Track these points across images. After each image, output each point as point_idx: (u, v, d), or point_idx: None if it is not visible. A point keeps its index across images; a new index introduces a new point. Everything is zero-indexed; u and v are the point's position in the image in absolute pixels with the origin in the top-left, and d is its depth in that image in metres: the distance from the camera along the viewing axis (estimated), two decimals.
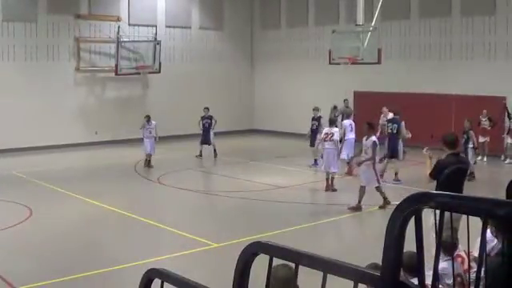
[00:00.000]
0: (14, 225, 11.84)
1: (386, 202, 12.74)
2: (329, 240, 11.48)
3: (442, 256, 4.35)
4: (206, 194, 14.79)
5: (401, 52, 23.35)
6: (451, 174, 8.10)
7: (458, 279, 5.31)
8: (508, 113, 19.51)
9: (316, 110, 18.59)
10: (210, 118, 20.36)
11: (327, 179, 15.06)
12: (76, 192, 14.86)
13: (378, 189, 12.94)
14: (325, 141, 15.21)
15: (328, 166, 14.98)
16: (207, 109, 20.50)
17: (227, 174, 17.45)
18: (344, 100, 22.55)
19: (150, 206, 14.05)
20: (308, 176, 16.98)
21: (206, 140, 20.28)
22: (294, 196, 14.71)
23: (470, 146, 15.79)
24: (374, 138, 13.18)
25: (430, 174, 8.38)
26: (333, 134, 15.16)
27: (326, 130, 15.56)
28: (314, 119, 18.37)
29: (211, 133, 20.33)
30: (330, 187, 15.00)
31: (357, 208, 12.81)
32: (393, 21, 23.14)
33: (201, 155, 20.26)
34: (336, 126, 16.02)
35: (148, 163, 18.41)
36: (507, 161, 19.23)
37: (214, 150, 20.39)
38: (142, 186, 16.23)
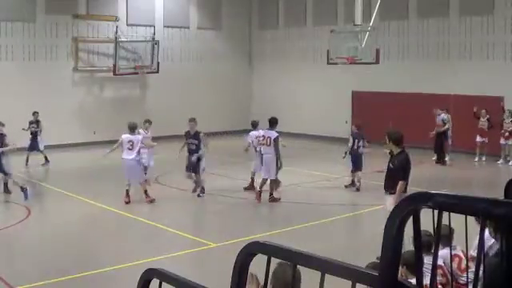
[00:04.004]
0: (12, 225, 11.83)
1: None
2: (328, 240, 11.47)
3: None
4: (205, 193, 14.76)
5: (399, 52, 23.35)
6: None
7: (439, 271, 5.31)
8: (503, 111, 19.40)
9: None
10: (38, 122, 18.87)
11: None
12: (74, 192, 14.85)
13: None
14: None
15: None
16: (37, 113, 19.01)
17: (226, 174, 17.44)
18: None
19: (148, 206, 14.02)
20: (306, 176, 16.98)
21: (33, 146, 18.67)
22: (293, 196, 14.71)
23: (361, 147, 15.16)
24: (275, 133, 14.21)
25: (405, 178, 8.83)
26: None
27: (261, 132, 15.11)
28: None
29: (39, 138, 18.78)
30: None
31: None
32: (391, 21, 23.15)
33: (27, 163, 18.45)
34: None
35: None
36: (500, 161, 19.26)
37: (45, 158, 18.90)
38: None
